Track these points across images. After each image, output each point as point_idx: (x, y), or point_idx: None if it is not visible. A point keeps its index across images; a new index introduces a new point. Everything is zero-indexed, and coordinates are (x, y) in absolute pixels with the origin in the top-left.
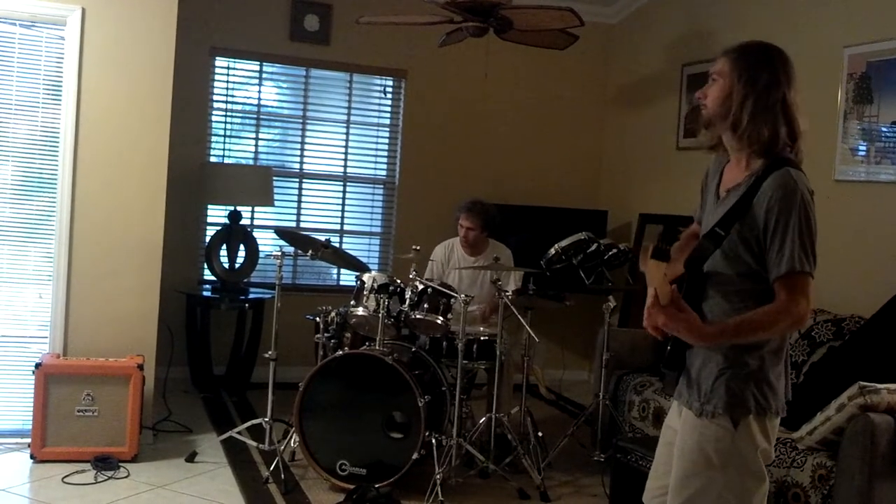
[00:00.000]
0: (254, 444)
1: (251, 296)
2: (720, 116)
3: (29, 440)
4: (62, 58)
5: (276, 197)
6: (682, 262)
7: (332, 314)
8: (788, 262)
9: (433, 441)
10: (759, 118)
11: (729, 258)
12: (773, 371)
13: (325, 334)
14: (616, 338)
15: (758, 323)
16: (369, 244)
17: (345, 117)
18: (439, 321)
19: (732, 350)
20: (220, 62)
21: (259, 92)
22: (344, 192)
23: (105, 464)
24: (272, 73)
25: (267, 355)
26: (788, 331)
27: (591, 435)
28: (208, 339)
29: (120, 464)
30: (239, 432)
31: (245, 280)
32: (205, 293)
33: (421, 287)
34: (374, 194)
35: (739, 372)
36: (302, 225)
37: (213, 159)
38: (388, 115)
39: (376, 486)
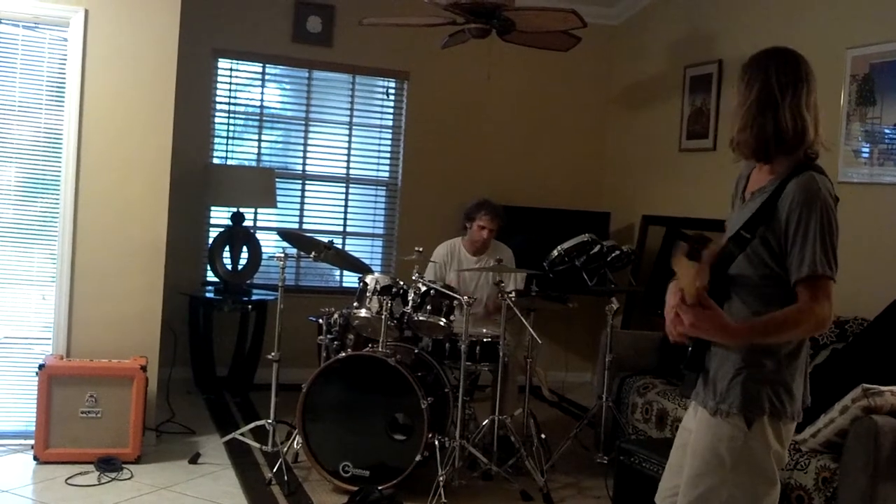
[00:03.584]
0: (257, 445)
1: (254, 297)
2: (737, 126)
3: (32, 442)
4: (65, 59)
5: (278, 198)
6: (708, 268)
7: (335, 316)
8: (810, 266)
9: (436, 443)
10: (760, 117)
11: (752, 261)
12: (789, 375)
13: (328, 336)
14: (619, 340)
15: (783, 322)
16: (372, 246)
17: (347, 119)
18: (442, 323)
19: (750, 352)
20: (223, 64)
21: (262, 93)
22: (347, 193)
23: (108, 465)
24: (275, 74)
25: (270, 357)
26: (811, 333)
27: (594, 437)
28: (211, 341)
29: (123, 465)
30: (242, 434)
31: (248, 282)
32: (208, 295)
33: (424, 289)
34: (376, 196)
35: (755, 373)
36: (305, 226)
37: (216, 161)
38: (391, 116)
39: (379, 487)
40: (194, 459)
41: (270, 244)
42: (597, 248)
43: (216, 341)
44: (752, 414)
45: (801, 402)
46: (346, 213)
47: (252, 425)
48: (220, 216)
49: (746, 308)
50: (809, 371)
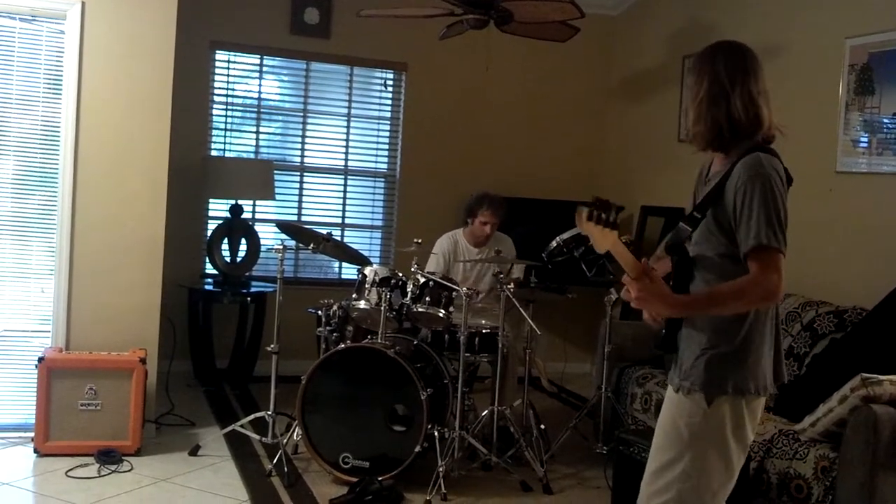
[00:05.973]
0: (257, 437)
1: (253, 289)
2: (691, 119)
3: (32, 434)
4: (62, 52)
5: (277, 191)
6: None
7: (334, 308)
8: (756, 237)
9: (436, 434)
10: (713, 108)
11: (708, 241)
12: (753, 351)
13: (327, 328)
14: (618, 330)
15: (728, 293)
16: (370, 237)
17: (345, 111)
18: (441, 314)
19: (715, 332)
20: (221, 56)
21: (259, 85)
22: (345, 185)
23: (108, 457)
24: (272, 66)
25: (269, 349)
26: (760, 304)
27: (594, 427)
28: (210, 333)
29: (123, 457)
30: (242, 426)
31: (247, 274)
32: (207, 287)
33: (423, 280)
34: (374, 187)
35: (719, 352)
36: (303, 218)
37: (214, 153)
38: (389, 108)
39: (379, 478)
40: (194, 451)
41: (269, 236)
42: None
43: (215, 333)
44: (712, 393)
45: (776, 378)
46: (344, 204)
47: (252, 417)
48: (218, 208)
49: (707, 286)
50: (808, 362)
